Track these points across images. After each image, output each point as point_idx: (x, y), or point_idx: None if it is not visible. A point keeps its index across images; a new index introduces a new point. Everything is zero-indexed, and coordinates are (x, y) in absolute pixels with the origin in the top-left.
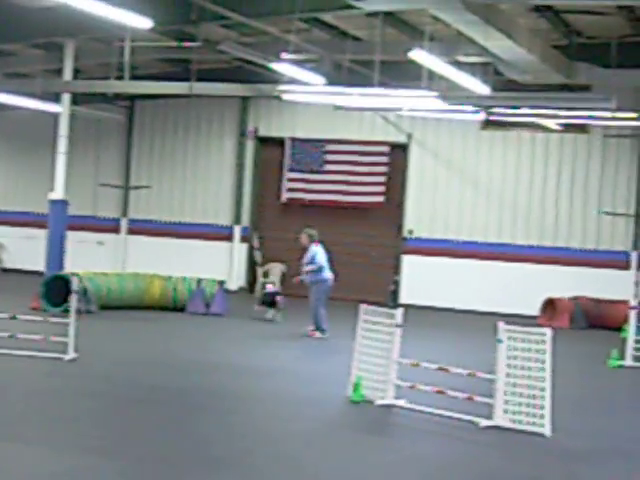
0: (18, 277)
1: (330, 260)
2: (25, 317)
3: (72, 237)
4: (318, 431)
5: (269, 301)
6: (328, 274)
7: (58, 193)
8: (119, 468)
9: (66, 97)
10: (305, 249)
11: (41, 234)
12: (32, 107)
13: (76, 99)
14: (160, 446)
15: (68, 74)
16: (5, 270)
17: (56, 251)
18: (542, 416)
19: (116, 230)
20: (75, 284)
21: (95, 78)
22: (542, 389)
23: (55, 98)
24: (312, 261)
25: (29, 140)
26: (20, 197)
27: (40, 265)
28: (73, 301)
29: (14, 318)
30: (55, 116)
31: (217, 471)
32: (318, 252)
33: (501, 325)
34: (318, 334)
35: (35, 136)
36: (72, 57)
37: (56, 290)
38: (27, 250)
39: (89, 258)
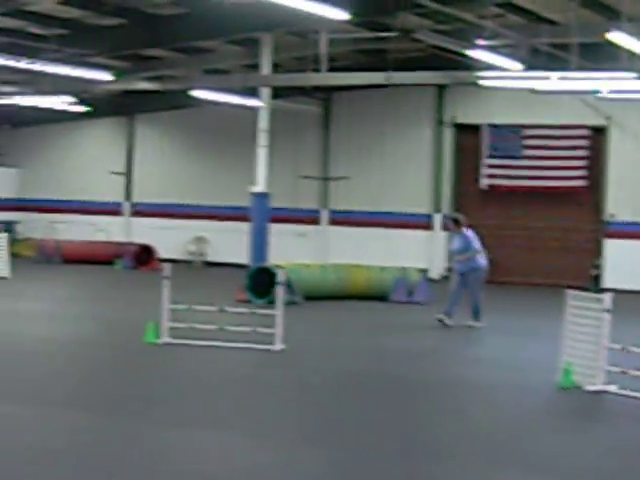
0: (222, 270)
1: (482, 244)
2: (232, 309)
3: (273, 229)
4: (529, 418)
5: None
6: (482, 260)
7: (260, 186)
8: (332, 457)
9: (265, 91)
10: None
11: (243, 227)
12: (232, 102)
13: (275, 93)
14: (370, 435)
15: (266, 68)
16: (209, 264)
17: (259, 243)
18: None
19: (317, 221)
20: (280, 276)
21: (292, 71)
22: None
23: (254, 92)
24: (468, 247)
25: (229, 135)
26: (222, 191)
27: (243, 258)
28: (279, 293)
29: (222, 311)
30: (254, 110)
31: (430, 460)
32: (472, 238)
33: None
34: (474, 323)
35: (235, 131)
36: (270, 51)
37: (260, 282)
38: (230, 243)
39: (291, 250)
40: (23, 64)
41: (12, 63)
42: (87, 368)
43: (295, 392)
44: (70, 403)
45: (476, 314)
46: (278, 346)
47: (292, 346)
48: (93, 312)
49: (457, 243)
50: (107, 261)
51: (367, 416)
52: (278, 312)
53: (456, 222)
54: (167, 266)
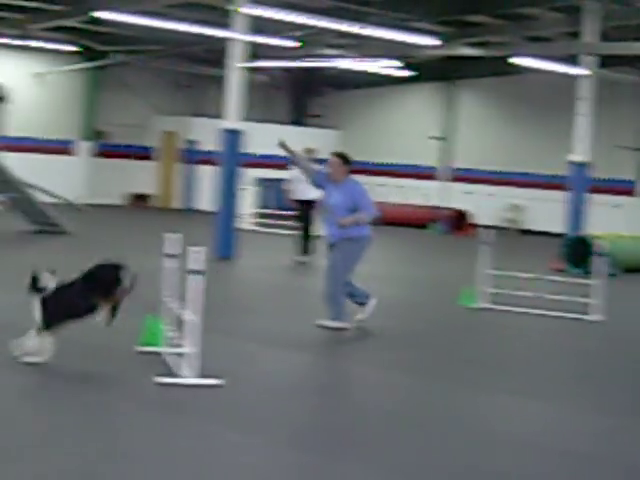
0: (536, 238)
1: None
2: (548, 277)
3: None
4: None
5: None
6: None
7: (579, 155)
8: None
9: (588, 59)
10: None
11: (559, 196)
12: (553, 70)
13: (597, 61)
14: None
15: (589, 36)
16: (524, 231)
17: (576, 213)
18: None
19: (632, 192)
20: (599, 247)
21: (614, 40)
22: None
23: (573, 61)
24: (364, 205)
25: (547, 102)
26: (539, 159)
27: (558, 227)
28: (596, 263)
29: (538, 278)
30: (572, 78)
31: None
32: (365, 190)
33: None
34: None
35: (553, 99)
36: (593, 19)
37: (577, 252)
38: (545, 211)
39: (604, 220)
40: (346, 27)
41: (336, 26)
42: (404, 329)
43: (607, 362)
44: (386, 363)
45: (338, 313)
46: (594, 316)
47: (609, 317)
48: (408, 273)
49: (339, 195)
50: (421, 225)
51: None
52: (596, 282)
53: (346, 160)
54: (487, 232)
